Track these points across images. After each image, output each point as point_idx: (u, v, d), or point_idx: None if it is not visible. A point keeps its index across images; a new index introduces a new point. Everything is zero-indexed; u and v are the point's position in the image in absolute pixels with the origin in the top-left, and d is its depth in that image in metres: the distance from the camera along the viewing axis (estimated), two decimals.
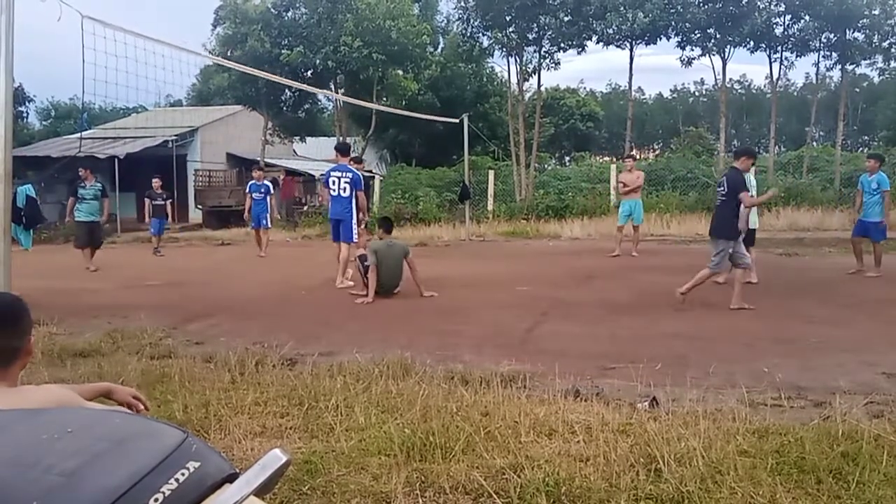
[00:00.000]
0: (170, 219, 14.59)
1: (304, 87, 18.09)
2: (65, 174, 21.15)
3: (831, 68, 22.38)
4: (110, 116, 33.13)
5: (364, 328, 6.35)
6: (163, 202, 13.99)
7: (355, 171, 8.89)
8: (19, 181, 12.65)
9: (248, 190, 13.68)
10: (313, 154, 30.78)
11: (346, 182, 8.72)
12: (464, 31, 22.27)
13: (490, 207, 20.02)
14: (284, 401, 3.89)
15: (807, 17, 19.91)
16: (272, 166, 24.26)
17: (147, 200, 14.19)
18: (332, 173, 8.88)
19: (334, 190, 8.73)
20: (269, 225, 13.79)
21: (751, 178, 8.01)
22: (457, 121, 16.46)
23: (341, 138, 22.97)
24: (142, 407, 2.04)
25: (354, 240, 8.76)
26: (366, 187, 9.78)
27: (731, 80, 34.52)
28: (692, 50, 20.91)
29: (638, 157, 20.96)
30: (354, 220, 8.77)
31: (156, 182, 14.14)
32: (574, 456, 3.03)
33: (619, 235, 11.69)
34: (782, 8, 20.06)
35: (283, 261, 12.70)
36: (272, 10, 21.11)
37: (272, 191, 13.88)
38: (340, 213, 8.77)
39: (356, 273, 8.65)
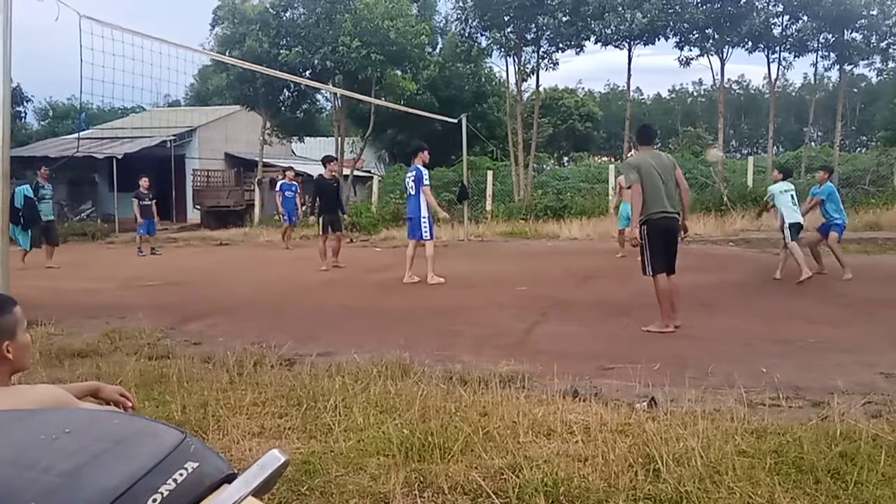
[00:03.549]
0: (155, 218, 14.67)
1: (303, 80, 18.14)
2: (63, 174, 21.16)
3: (829, 69, 22.45)
4: (108, 116, 33.10)
5: (362, 328, 6.35)
6: (149, 202, 14.04)
7: (419, 168, 9.00)
8: (17, 181, 12.62)
9: (279, 188, 14.94)
10: (312, 154, 30.77)
11: (412, 180, 9.03)
12: (462, 32, 22.27)
13: (488, 207, 20.03)
14: (283, 401, 3.88)
15: (805, 18, 19.92)
16: (270, 166, 24.25)
17: (135, 201, 14.07)
18: (407, 175, 9.20)
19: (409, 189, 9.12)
20: (296, 221, 15.47)
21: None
22: (455, 121, 16.46)
23: (340, 139, 23.05)
24: (129, 404, 2.05)
25: (424, 237, 8.98)
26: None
27: (729, 80, 34.64)
28: (690, 50, 20.93)
29: None
30: (423, 217, 8.95)
31: (143, 182, 14.11)
32: (572, 456, 3.03)
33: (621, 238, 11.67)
34: (780, 8, 20.08)
35: (282, 261, 12.70)
36: (270, 10, 21.08)
37: (298, 189, 15.25)
38: (411, 211, 9.17)
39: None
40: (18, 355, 1.79)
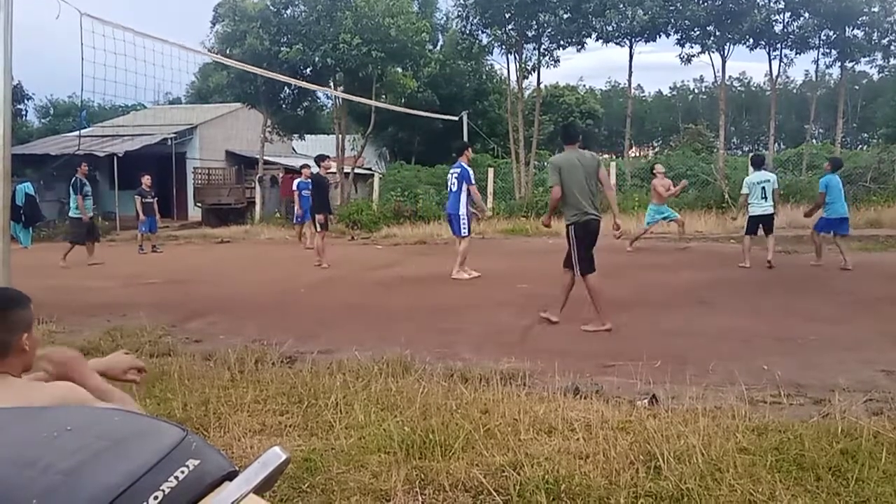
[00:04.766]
0: (157, 216, 14.70)
1: (303, 83, 18.07)
2: (64, 172, 21.16)
3: (831, 65, 22.39)
4: (109, 114, 33.08)
5: (363, 326, 6.35)
6: (152, 199, 14.04)
7: (464, 166, 9.21)
8: (18, 179, 12.64)
9: (296, 188, 14.54)
10: (312, 152, 30.74)
11: (455, 177, 9.21)
12: (463, 29, 22.23)
13: (489, 205, 20.01)
14: (284, 398, 3.89)
15: (806, 15, 19.89)
16: (271, 164, 24.23)
17: (138, 198, 13.98)
18: (451, 171, 9.40)
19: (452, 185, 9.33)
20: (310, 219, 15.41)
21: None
22: (456, 118, 16.48)
23: (340, 136, 23.04)
24: (138, 380, 2.04)
25: (463, 233, 9.22)
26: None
27: (730, 77, 34.46)
28: (692, 47, 20.88)
29: (637, 154, 20.59)
30: (463, 214, 9.16)
31: (146, 179, 14.05)
32: (574, 453, 3.03)
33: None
34: (782, 5, 20.04)
35: (283, 259, 12.70)
36: (271, 7, 21.06)
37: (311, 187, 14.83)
38: (450, 208, 9.37)
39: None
40: (34, 350, 1.79)
